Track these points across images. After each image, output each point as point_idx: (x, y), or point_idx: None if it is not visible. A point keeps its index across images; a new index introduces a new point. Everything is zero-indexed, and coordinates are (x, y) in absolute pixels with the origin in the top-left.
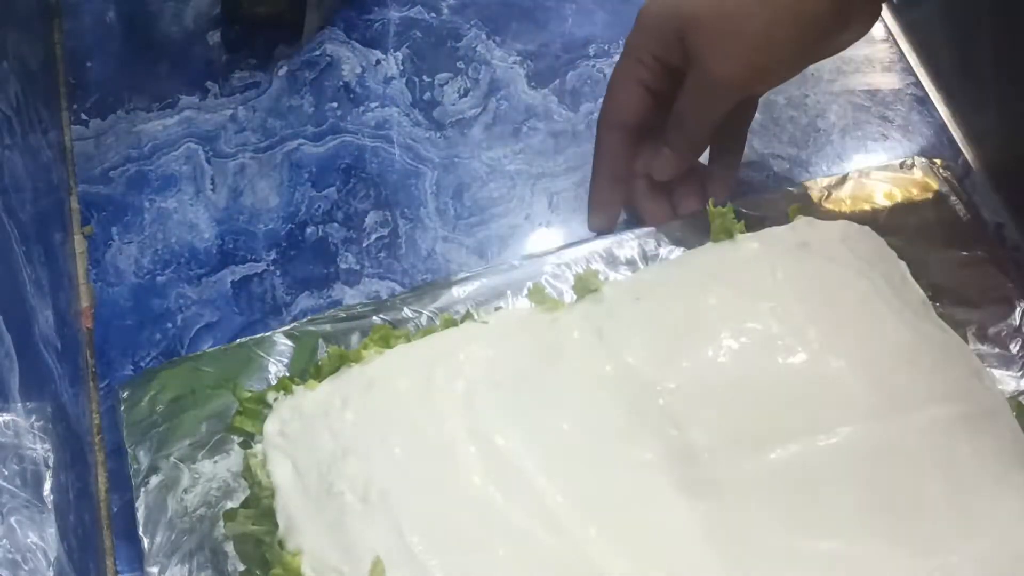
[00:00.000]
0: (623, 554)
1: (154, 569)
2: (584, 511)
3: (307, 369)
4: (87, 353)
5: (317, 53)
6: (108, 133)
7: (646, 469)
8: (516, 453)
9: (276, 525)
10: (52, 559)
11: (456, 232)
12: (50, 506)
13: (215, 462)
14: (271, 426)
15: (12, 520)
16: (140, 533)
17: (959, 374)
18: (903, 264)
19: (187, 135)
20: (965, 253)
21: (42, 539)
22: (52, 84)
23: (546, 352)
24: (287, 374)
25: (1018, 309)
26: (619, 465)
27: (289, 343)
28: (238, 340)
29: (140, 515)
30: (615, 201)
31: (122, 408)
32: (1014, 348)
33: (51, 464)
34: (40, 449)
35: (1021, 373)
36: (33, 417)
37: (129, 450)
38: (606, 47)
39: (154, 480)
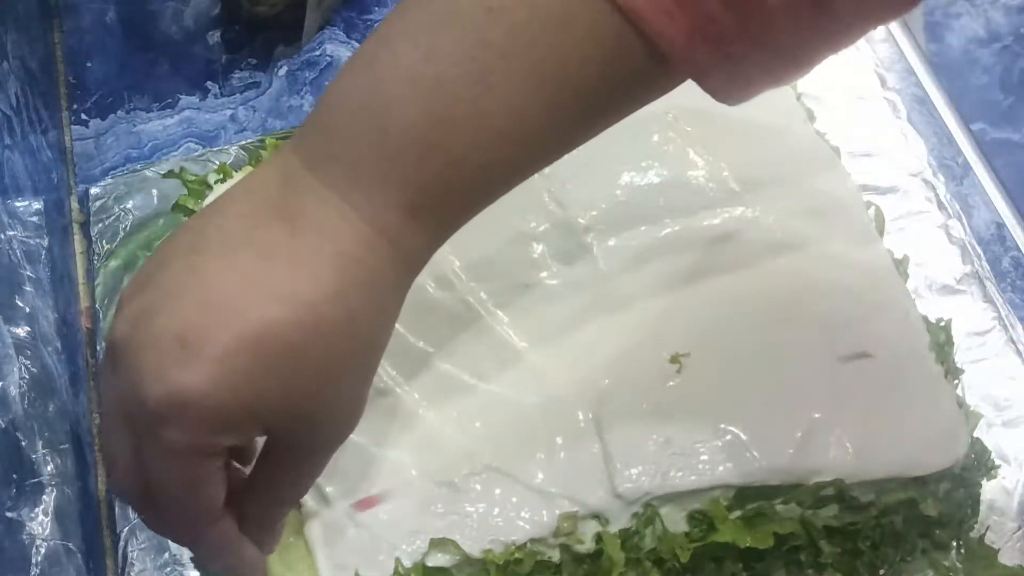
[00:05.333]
0: (502, 306)
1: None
2: (475, 274)
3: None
4: (87, 353)
5: (317, 53)
6: (108, 133)
7: (531, 239)
8: None
9: None
10: (52, 559)
11: None
12: (50, 506)
13: None
14: (209, 202)
15: (12, 519)
16: (96, 307)
17: (818, 170)
18: (790, 89)
19: (187, 135)
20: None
21: (42, 538)
22: (52, 84)
23: None
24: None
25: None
26: (508, 235)
27: (243, 154)
28: (197, 152)
29: (98, 292)
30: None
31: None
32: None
33: (51, 464)
34: (40, 450)
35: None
36: (33, 417)
37: (94, 239)
38: None
39: (113, 263)
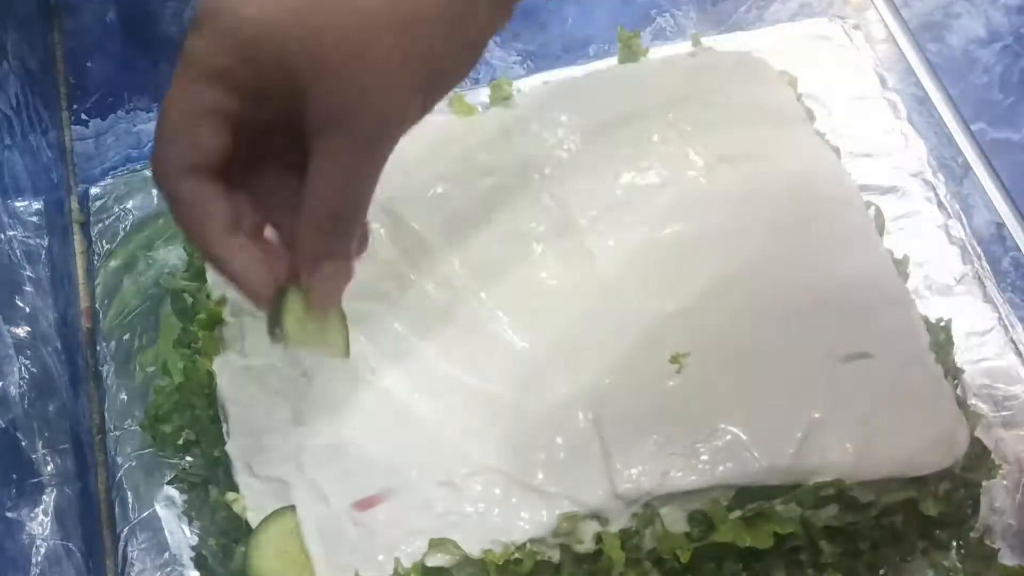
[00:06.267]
0: (502, 307)
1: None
2: (475, 274)
3: None
4: (87, 353)
5: None
6: (108, 133)
7: (532, 240)
8: (423, 229)
9: (205, 281)
10: (52, 559)
11: None
12: (50, 506)
13: (169, 250)
14: None
15: (12, 519)
16: (96, 307)
17: (818, 170)
18: (791, 89)
19: None
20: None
21: (42, 538)
22: (52, 84)
23: (458, 148)
24: None
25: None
26: (508, 235)
27: None
28: None
29: (98, 292)
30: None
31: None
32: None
33: (51, 464)
34: (40, 450)
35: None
36: (33, 417)
37: (94, 239)
38: (606, 47)
39: (113, 263)
